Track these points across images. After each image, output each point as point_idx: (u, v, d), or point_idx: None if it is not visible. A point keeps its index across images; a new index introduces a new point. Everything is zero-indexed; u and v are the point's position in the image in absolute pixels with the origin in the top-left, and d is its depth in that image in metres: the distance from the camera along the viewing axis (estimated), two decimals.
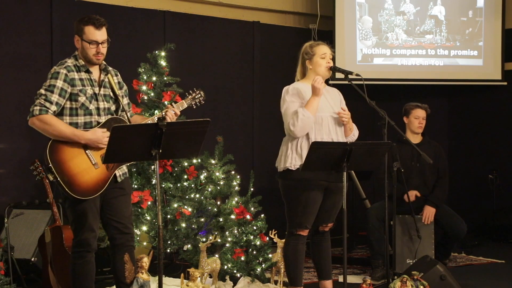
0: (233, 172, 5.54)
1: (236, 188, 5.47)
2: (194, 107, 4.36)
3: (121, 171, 4.04)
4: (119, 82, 4.14)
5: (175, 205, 5.33)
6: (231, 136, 6.77)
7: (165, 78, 5.65)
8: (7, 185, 5.81)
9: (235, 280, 5.07)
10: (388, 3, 7.60)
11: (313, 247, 4.69)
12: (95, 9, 6.33)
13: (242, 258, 5.14)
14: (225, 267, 5.06)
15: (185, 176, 5.50)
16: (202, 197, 5.39)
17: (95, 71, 4.02)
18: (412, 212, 5.56)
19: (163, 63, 5.65)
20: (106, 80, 4.05)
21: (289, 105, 4.46)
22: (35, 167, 5.14)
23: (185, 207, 5.34)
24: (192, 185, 5.48)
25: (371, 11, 7.57)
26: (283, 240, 4.88)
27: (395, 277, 4.74)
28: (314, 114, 4.39)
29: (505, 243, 7.30)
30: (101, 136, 3.83)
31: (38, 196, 5.63)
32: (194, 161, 5.52)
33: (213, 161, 5.52)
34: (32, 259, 5.22)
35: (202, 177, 5.51)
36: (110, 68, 4.11)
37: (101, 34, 3.95)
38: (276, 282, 5.09)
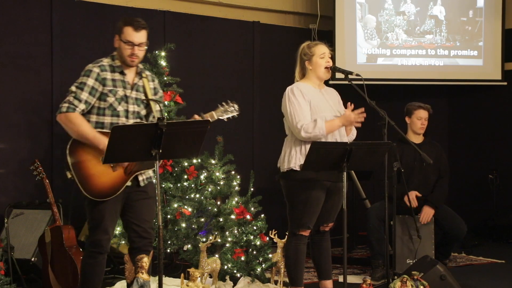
0: (233, 172, 5.53)
1: (236, 188, 5.47)
2: (226, 120, 4.29)
3: (145, 175, 4.03)
4: (154, 88, 4.12)
5: (175, 205, 5.33)
6: (231, 136, 6.77)
7: (165, 78, 5.65)
8: (7, 185, 5.81)
9: (235, 280, 5.07)
10: (388, 3, 7.60)
11: (313, 247, 4.68)
12: (95, 9, 6.34)
13: (242, 258, 5.14)
14: (225, 267, 5.06)
15: (185, 176, 5.51)
16: (202, 197, 5.39)
17: (130, 73, 4.00)
18: (412, 212, 5.56)
19: (163, 63, 5.65)
20: (141, 84, 4.03)
21: (297, 107, 4.43)
22: (35, 167, 5.14)
23: (185, 207, 5.34)
24: (192, 185, 5.49)
25: (371, 11, 7.57)
26: (283, 240, 4.89)
27: (395, 277, 4.74)
28: (327, 134, 4.41)
29: (505, 243, 7.30)
30: None
31: (38, 196, 5.63)
32: (194, 161, 5.53)
33: (213, 161, 5.52)
34: (32, 259, 5.22)
35: (202, 177, 5.51)
36: (148, 73, 4.10)
37: (138, 36, 3.93)
38: (276, 282, 5.09)
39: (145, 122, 3.98)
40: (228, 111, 4.29)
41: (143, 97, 4.02)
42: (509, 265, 6.21)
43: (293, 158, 4.44)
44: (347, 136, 4.57)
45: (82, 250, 4.95)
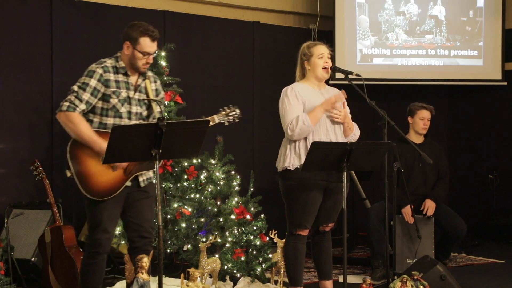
0: (233, 172, 5.54)
1: (236, 188, 5.47)
2: (227, 124, 4.31)
3: (145, 176, 4.04)
4: (156, 89, 4.12)
5: (175, 205, 5.33)
6: (231, 136, 6.77)
7: (165, 78, 5.65)
8: (7, 185, 5.81)
9: (235, 280, 5.07)
10: (388, 3, 7.60)
11: (313, 247, 4.69)
12: (95, 9, 6.33)
13: (242, 258, 5.14)
14: (225, 267, 5.06)
15: (185, 176, 5.51)
16: (202, 197, 5.39)
17: (133, 74, 4.01)
18: (412, 212, 5.57)
19: (163, 63, 5.65)
20: (143, 85, 4.04)
21: (288, 107, 4.46)
22: (35, 167, 5.14)
23: (185, 207, 5.34)
24: (192, 185, 5.49)
25: (371, 11, 7.57)
26: (283, 240, 4.88)
27: (395, 277, 4.74)
28: (314, 124, 4.40)
29: (505, 243, 7.30)
30: None
31: (38, 196, 5.63)
32: (194, 161, 5.53)
33: (213, 161, 5.52)
34: (32, 259, 5.22)
35: (202, 177, 5.51)
36: (150, 74, 4.11)
37: (154, 46, 3.98)
38: (276, 282, 5.09)
39: (145, 122, 3.98)
40: (230, 115, 4.31)
41: (145, 98, 4.03)
42: (509, 265, 6.21)
43: (288, 158, 4.45)
44: (348, 136, 4.56)
45: (82, 250, 4.95)
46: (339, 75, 5.75)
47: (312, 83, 4.58)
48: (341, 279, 4.95)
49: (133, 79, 4.01)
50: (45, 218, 5.39)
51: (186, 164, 5.53)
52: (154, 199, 4.11)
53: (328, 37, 6.92)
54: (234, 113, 4.33)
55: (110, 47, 6.40)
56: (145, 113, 4.05)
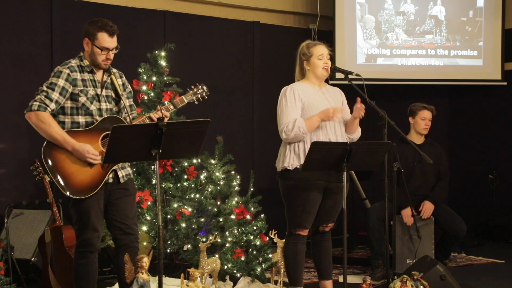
0: (233, 172, 5.54)
1: (236, 188, 5.47)
2: (196, 102, 4.30)
3: (124, 172, 4.04)
4: (123, 84, 4.13)
5: (175, 205, 5.33)
6: (231, 136, 6.77)
7: (165, 78, 5.65)
8: (7, 185, 5.81)
9: (235, 280, 5.07)
10: (388, 3, 7.60)
11: (313, 247, 4.69)
12: (95, 9, 6.33)
13: (242, 258, 5.14)
14: (225, 267, 5.06)
15: (185, 176, 5.50)
16: (202, 197, 5.39)
17: (99, 72, 4.02)
18: (412, 212, 5.57)
19: (163, 63, 5.65)
20: (109, 81, 4.05)
21: (284, 108, 4.46)
22: (35, 167, 5.14)
23: (185, 207, 5.34)
24: (192, 185, 5.49)
25: (371, 11, 7.57)
26: (283, 240, 4.88)
27: (395, 277, 4.74)
28: (309, 132, 4.41)
29: (505, 243, 7.30)
30: (86, 152, 3.80)
31: (38, 196, 5.63)
32: (194, 161, 5.53)
33: (213, 161, 5.52)
34: (32, 259, 5.22)
35: (202, 177, 5.51)
36: (114, 70, 4.11)
37: (113, 42, 3.96)
38: (276, 282, 5.09)
39: (145, 122, 3.98)
40: (197, 93, 4.29)
41: (113, 94, 4.04)
42: (509, 265, 6.21)
43: (287, 158, 4.46)
44: (354, 133, 4.57)
45: None
46: (339, 75, 5.75)
47: (312, 82, 4.58)
48: (341, 279, 4.95)
49: (99, 76, 4.02)
50: (45, 218, 5.39)
51: (186, 164, 5.52)
52: (134, 197, 4.13)
53: (328, 37, 6.92)
54: (202, 90, 4.31)
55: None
56: (115, 109, 4.05)
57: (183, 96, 4.24)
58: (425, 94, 7.69)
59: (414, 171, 5.80)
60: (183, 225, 5.29)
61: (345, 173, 4.24)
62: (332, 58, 4.60)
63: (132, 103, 4.20)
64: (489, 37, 7.76)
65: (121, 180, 4.01)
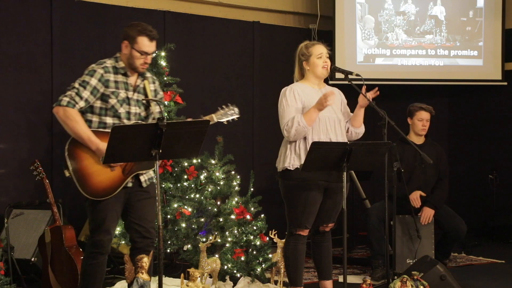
0: (233, 172, 5.53)
1: (236, 188, 5.47)
2: (225, 123, 4.29)
3: (147, 176, 4.04)
4: (155, 90, 4.12)
5: (175, 205, 5.33)
6: (231, 136, 6.77)
7: (165, 78, 5.65)
8: (7, 185, 5.81)
9: (235, 280, 5.07)
10: (388, 3, 7.60)
11: (313, 247, 4.69)
12: (95, 9, 6.34)
13: (242, 258, 5.14)
14: (225, 267, 5.06)
15: (185, 176, 5.51)
16: (202, 197, 5.39)
17: (132, 75, 4.01)
18: (412, 212, 5.56)
19: (163, 63, 5.65)
20: (142, 85, 4.04)
21: (285, 108, 4.46)
22: (35, 167, 5.14)
23: (185, 207, 5.34)
24: (192, 185, 5.49)
25: (371, 11, 7.57)
26: (283, 240, 4.88)
27: (395, 277, 4.74)
28: (310, 125, 4.40)
29: (505, 243, 7.30)
30: None
31: (38, 196, 5.63)
32: (194, 161, 5.53)
33: (213, 161, 5.52)
34: (32, 259, 5.22)
35: (202, 177, 5.51)
36: (148, 75, 4.11)
37: (152, 46, 3.97)
38: (276, 282, 5.09)
39: (145, 122, 3.98)
40: (228, 114, 4.29)
41: (144, 99, 4.03)
42: (509, 265, 6.21)
43: (288, 158, 4.46)
44: (359, 127, 4.57)
45: (82, 250, 4.95)
46: (339, 75, 5.76)
47: (311, 82, 4.58)
48: (341, 279, 4.95)
49: (132, 79, 4.01)
50: (45, 218, 5.39)
51: (186, 164, 5.52)
52: (155, 200, 4.08)
53: (328, 37, 6.92)
54: (232, 111, 4.31)
55: (109, 47, 6.40)
56: (143, 114, 4.05)
57: (212, 115, 4.21)
58: (425, 94, 7.69)
59: (414, 171, 5.79)
60: (183, 225, 5.29)
61: (345, 173, 4.25)
62: (332, 58, 4.60)
63: (162, 109, 4.18)
64: (489, 37, 7.76)
65: (143, 184, 4.01)
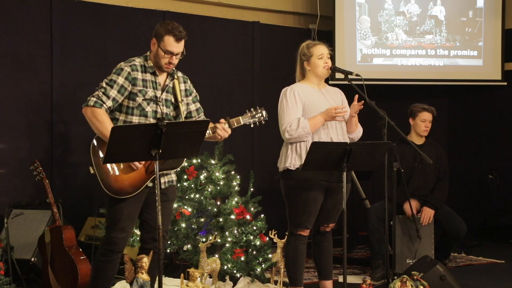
0: (233, 172, 5.54)
1: (236, 188, 5.47)
2: (252, 125, 4.25)
3: (167, 178, 4.03)
4: (186, 89, 4.11)
5: (175, 205, 5.33)
6: (231, 136, 6.75)
7: None
8: (7, 185, 5.81)
9: (235, 280, 5.07)
10: (388, 3, 7.60)
11: (314, 247, 4.69)
12: (95, 9, 6.33)
13: (242, 258, 5.14)
14: (225, 267, 5.06)
15: (185, 176, 5.50)
16: (202, 197, 5.39)
17: (162, 74, 4.00)
18: (412, 212, 5.56)
19: None
20: (171, 85, 4.02)
21: (286, 109, 4.46)
22: (35, 167, 5.14)
23: (185, 207, 5.34)
24: (192, 185, 5.48)
25: (371, 11, 7.57)
26: (283, 240, 4.89)
27: (395, 277, 4.74)
28: (312, 132, 4.41)
29: (505, 243, 7.30)
30: None
31: (38, 196, 5.63)
32: (194, 161, 5.52)
33: (213, 161, 5.52)
34: (32, 259, 5.22)
35: (202, 177, 5.51)
36: (179, 74, 4.10)
37: (178, 47, 3.94)
38: (276, 282, 5.09)
39: (145, 123, 3.97)
40: (256, 117, 4.23)
41: (173, 99, 4.02)
42: (509, 265, 6.21)
43: (289, 158, 4.46)
44: (353, 132, 4.57)
45: (82, 250, 4.96)
46: (339, 75, 5.75)
47: (312, 83, 4.59)
48: (341, 279, 4.95)
49: (161, 79, 3.99)
50: (45, 218, 5.39)
51: (186, 164, 5.52)
52: (172, 203, 4.10)
53: (328, 37, 6.92)
54: (260, 114, 4.24)
55: (110, 47, 6.41)
56: (172, 114, 4.04)
57: (240, 117, 4.18)
58: (425, 94, 7.69)
59: (414, 171, 5.80)
60: (183, 225, 5.29)
61: (345, 173, 4.25)
62: (332, 58, 4.61)
63: (199, 106, 4.15)
64: (489, 37, 7.76)
65: (163, 186, 3.99)
